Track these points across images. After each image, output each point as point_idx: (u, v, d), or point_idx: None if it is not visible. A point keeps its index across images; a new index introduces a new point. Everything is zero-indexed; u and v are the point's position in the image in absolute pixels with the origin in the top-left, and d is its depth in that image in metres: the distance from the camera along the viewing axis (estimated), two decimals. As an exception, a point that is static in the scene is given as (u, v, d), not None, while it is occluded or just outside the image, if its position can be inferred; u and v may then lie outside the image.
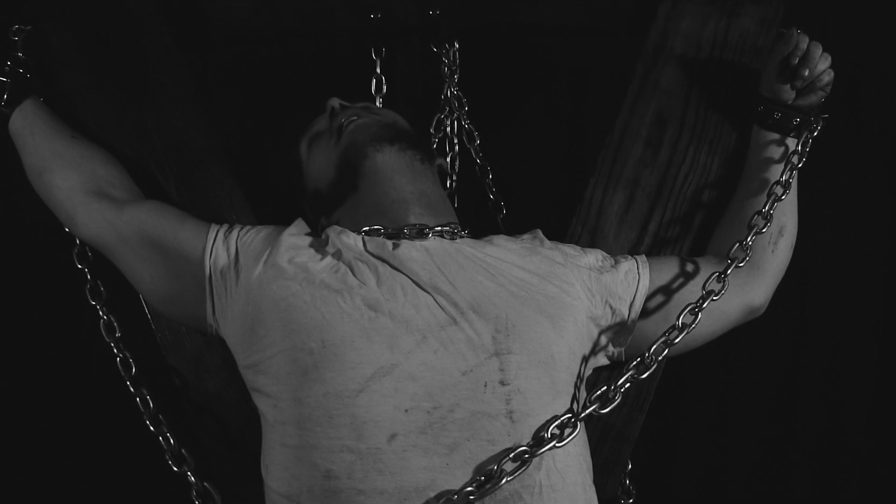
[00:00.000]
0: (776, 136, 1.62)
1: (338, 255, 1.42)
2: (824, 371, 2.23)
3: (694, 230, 1.68)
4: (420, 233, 1.46)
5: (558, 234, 1.63)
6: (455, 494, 1.24)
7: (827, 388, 2.22)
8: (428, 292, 1.37)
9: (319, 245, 1.45)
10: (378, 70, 1.92)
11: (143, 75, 1.68)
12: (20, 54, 1.64)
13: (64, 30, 1.67)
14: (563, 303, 1.42)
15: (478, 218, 1.78)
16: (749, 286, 1.58)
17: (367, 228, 1.47)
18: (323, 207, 1.56)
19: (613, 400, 1.35)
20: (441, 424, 1.28)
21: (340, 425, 1.29)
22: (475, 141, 1.94)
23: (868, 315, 2.21)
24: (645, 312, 1.50)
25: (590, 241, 1.66)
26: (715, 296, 1.45)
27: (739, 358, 2.23)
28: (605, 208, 1.68)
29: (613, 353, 1.51)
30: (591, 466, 1.41)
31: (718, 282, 1.47)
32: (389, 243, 1.43)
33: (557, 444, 1.29)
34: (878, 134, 2.18)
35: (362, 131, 1.53)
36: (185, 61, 1.71)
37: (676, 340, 1.41)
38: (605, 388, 1.36)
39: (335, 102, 1.59)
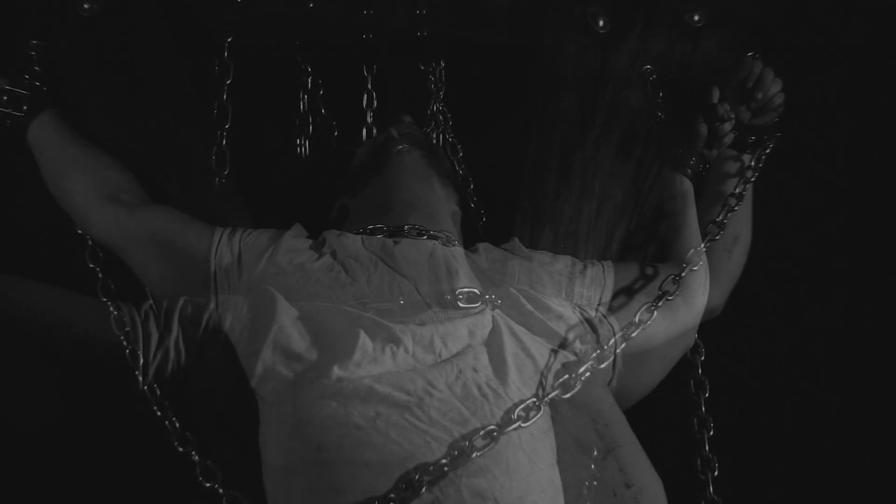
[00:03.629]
0: (733, 152, 1.73)
1: (333, 256, 1.56)
2: (800, 373, 2.23)
3: (657, 237, 1.76)
4: (419, 233, 1.60)
5: (532, 240, 1.74)
6: (431, 466, 1.33)
7: (807, 387, 2.22)
8: (416, 290, 1.51)
9: (317, 247, 1.59)
10: (370, 86, 2.01)
11: (145, 85, 1.75)
12: (37, 68, 1.71)
13: (69, 40, 1.73)
14: (534, 303, 1.55)
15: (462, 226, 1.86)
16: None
17: (372, 227, 1.62)
18: (348, 189, 1.72)
19: (574, 387, 1.47)
20: (420, 405, 1.39)
21: (331, 405, 1.39)
22: (458, 153, 2.04)
23: (841, 315, 2.22)
24: (610, 312, 1.62)
25: (561, 247, 1.76)
26: (670, 296, 1.57)
27: (711, 359, 2.29)
28: (575, 217, 1.78)
29: (580, 350, 1.59)
30: (555, 448, 1.50)
31: (674, 283, 1.59)
32: (390, 241, 1.57)
33: (523, 424, 1.40)
34: (841, 146, 2.27)
35: (408, 134, 1.72)
36: (186, 70, 1.78)
37: (633, 335, 1.54)
38: (567, 376, 1.48)
39: (406, 118, 1.77)
